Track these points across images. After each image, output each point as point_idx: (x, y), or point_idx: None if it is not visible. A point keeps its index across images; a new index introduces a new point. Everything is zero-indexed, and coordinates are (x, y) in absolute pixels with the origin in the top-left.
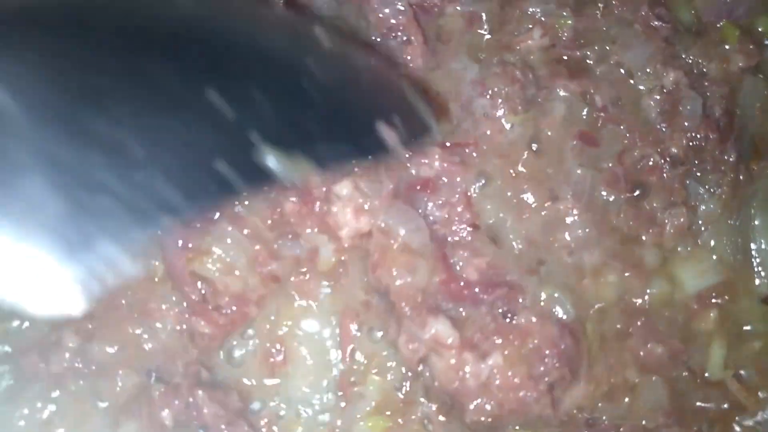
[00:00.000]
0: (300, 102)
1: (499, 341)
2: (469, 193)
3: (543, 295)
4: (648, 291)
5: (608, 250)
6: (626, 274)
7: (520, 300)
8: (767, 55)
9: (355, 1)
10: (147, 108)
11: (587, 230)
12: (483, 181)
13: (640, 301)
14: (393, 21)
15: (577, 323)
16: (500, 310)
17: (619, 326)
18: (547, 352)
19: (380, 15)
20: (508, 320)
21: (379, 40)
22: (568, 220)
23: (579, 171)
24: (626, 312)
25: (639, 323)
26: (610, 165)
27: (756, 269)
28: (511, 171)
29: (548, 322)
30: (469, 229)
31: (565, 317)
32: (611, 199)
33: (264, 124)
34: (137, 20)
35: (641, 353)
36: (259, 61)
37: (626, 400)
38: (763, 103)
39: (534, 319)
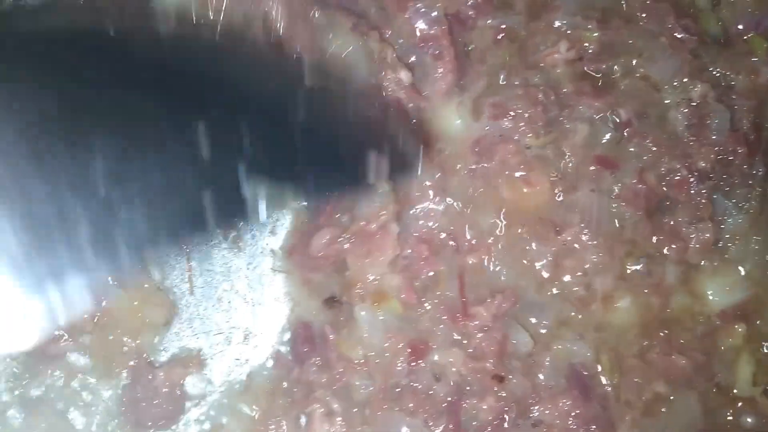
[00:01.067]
0: (285, 136)
1: None
2: None
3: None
4: (669, 307)
5: (622, 271)
6: (644, 291)
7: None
8: None
9: (392, 9)
10: (134, 143)
11: (600, 255)
12: None
13: (661, 314)
14: (427, 32)
15: (592, 366)
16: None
17: (639, 343)
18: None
19: (415, 24)
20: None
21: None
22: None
23: (590, 194)
24: (646, 327)
25: (661, 335)
26: (633, 182)
27: None
28: None
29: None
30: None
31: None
32: (627, 215)
33: (250, 157)
34: (125, 54)
35: (665, 365)
36: (245, 97)
37: (663, 410)
38: None
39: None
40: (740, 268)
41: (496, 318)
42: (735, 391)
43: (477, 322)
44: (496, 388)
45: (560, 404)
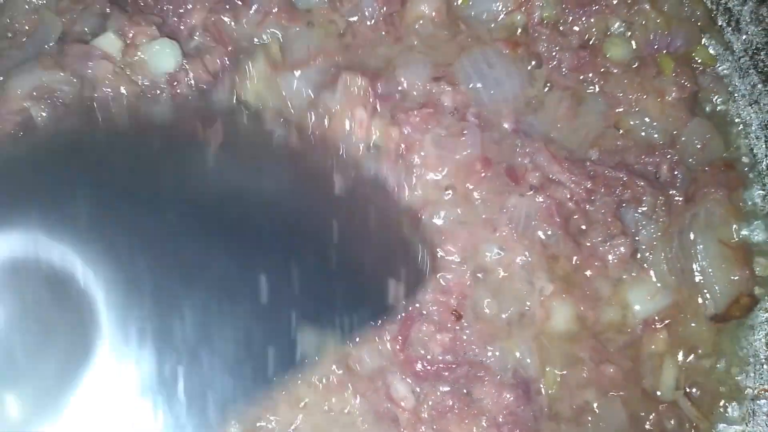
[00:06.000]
0: (324, 273)
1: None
2: None
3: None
4: (601, 317)
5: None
6: (581, 308)
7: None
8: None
9: None
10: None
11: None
12: None
13: (591, 325)
14: None
15: (535, 372)
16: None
17: (575, 353)
18: (500, 419)
19: None
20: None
21: None
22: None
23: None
24: (577, 338)
25: (590, 346)
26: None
27: (701, 290)
28: None
29: (504, 389)
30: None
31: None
32: (549, 233)
33: (300, 302)
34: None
35: (595, 373)
36: (295, 239)
37: (589, 419)
38: (704, 143)
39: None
40: (657, 276)
41: None
42: (659, 394)
43: None
44: (450, 324)
45: (503, 396)
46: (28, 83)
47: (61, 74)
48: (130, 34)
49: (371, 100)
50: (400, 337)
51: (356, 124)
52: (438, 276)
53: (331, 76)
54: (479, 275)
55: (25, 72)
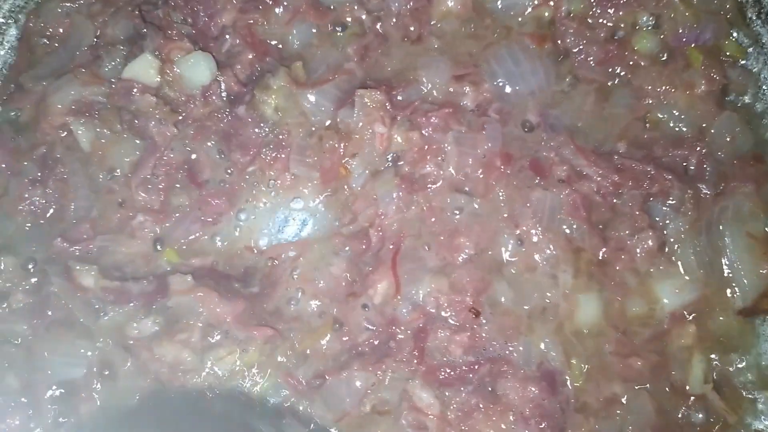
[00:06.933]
0: None
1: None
2: None
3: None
4: (627, 310)
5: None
6: (607, 301)
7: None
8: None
9: None
10: None
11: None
12: None
13: (618, 318)
14: None
15: (560, 364)
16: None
17: (601, 346)
18: (527, 413)
19: None
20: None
21: None
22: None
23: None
24: (603, 331)
25: (615, 339)
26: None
27: (730, 283)
28: None
29: (528, 382)
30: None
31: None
32: (574, 226)
33: None
34: None
35: (621, 366)
36: None
37: (618, 412)
38: (733, 136)
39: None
40: (686, 269)
41: None
42: (687, 388)
43: None
44: (469, 324)
45: (528, 389)
46: (68, 98)
47: (98, 87)
48: (165, 51)
49: (390, 109)
50: (416, 352)
51: (376, 138)
52: (452, 275)
53: (348, 93)
54: (496, 269)
55: (63, 87)
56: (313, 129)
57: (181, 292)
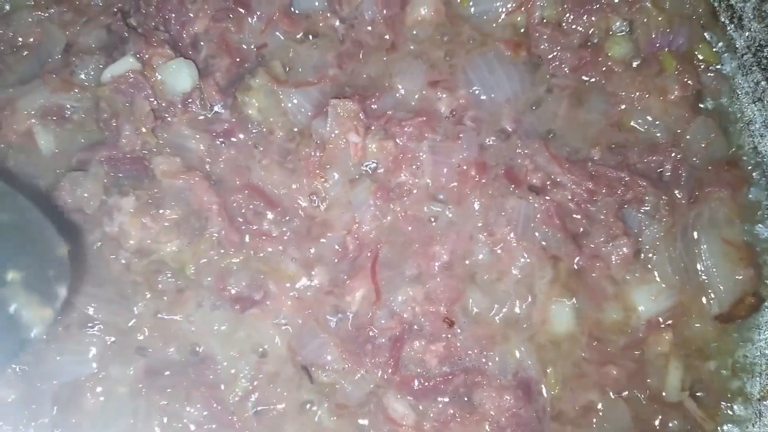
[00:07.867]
0: None
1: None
2: None
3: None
4: (602, 318)
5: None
6: (582, 309)
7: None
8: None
9: None
10: None
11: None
12: None
13: (593, 326)
14: None
15: (536, 373)
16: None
17: (576, 354)
18: (503, 421)
19: None
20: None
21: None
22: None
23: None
24: (579, 339)
25: (591, 347)
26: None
27: (706, 290)
28: None
29: (504, 391)
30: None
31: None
32: (549, 234)
33: None
34: None
35: (598, 374)
36: None
37: (594, 420)
38: (708, 141)
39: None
40: (661, 276)
41: None
42: (664, 395)
43: None
44: (444, 334)
45: (504, 398)
46: (35, 103)
47: (70, 93)
48: (146, 57)
49: (363, 118)
50: (391, 361)
51: (351, 147)
52: (427, 284)
53: (322, 103)
54: (470, 278)
55: (32, 92)
56: (295, 130)
57: None
